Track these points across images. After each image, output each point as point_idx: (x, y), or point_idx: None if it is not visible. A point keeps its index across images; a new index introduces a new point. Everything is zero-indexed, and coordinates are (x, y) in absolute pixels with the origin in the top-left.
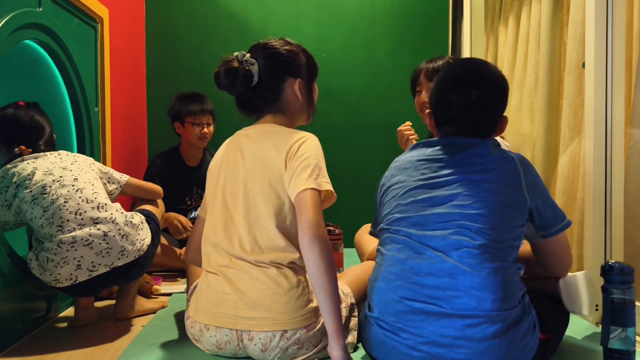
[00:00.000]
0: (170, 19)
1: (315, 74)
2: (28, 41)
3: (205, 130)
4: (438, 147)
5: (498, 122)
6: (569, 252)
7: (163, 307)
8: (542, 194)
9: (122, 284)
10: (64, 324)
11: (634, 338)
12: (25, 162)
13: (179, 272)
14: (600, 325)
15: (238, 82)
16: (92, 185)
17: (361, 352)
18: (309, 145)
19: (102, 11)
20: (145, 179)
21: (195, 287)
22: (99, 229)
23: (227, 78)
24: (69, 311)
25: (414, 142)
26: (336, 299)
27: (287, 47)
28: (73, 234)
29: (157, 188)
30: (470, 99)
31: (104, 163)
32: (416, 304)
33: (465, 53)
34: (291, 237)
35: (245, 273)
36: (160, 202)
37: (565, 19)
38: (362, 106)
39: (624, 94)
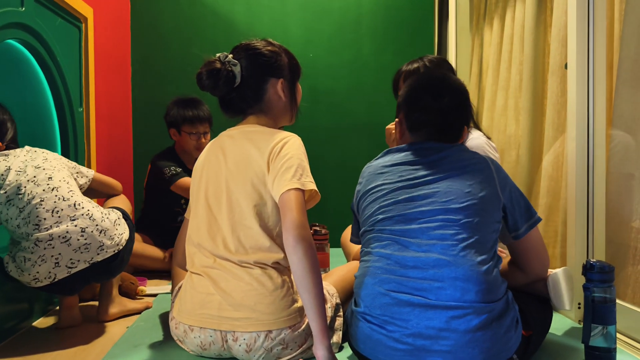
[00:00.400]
0: (156, 19)
1: (298, 74)
2: (10, 41)
3: (202, 140)
4: (411, 152)
5: (463, 129)
6: (544, 249)
7: (147, 307)
8: (512, 192)
9: (103, 280)
10: (47, 326)
11: (615, 335)
12: None
13: (163, 273)
14: (582, 323)
15: (220, 83)
16: (67, 183)
17: (346, 352)
18: (292, 145)
19: (86, 11)
20: (171, 178)
21: (180, 288)
22: (76, 225)
23: (210, 79)
24: (51, 314)
25: (396, 143)
26: (321, 299)
27: (269, 48)
28: (50, 231)
29: (118, 183)
30: (444, 104)
31: (89, 163)
32: (402, 295)
33: (451, 53)
34: (275, 237)
35: (229, 273)
36: (126, 198)
37: (549, 20)
38: (348, 106)
39: (605, 94)
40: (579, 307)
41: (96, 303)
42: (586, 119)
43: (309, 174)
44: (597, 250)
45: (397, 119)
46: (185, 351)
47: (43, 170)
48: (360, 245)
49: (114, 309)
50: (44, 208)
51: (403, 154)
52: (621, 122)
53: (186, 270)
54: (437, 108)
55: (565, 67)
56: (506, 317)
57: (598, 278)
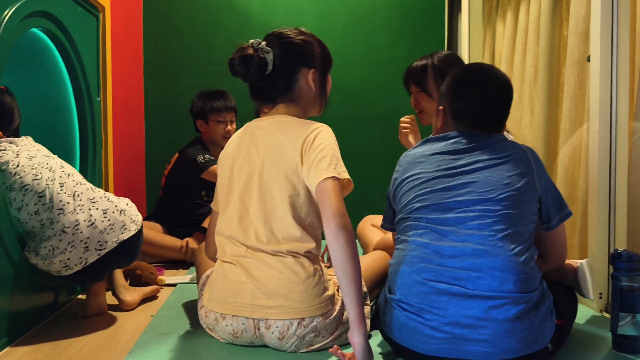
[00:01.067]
0: (169, 8)
1: (329, 65)
2: (34, 29)
3: (229, 127)
4: (450, 141)
5: (505, 121)
6: (566, 241)
7: (158, 290)
8: (547, 184)
9: (126, 264)
10: (72, 314)
11: None
12: (2, 146)
13: (180, 263)
14: (604, 313)
15: (252, 70)
16: (77, 173)
17: (375, 339)
18: (324, 135)
19: (104, 0)
20: (205, 164)
21: (208, 276)
22: (97, 208)
23: (242, 65)
24: (74, 304)
25: (407, 136)
26: (359, 287)
27: (301, 37)
28: (76, 216)
29: None
30: (488, 94)
31: (106, 154)
32: (440, 284)
33: (464, 46)
34: (307, 227)
35: (262, 262)
36: None
37: (565, 14)
38: (362, 98)
39: (628, 87)
40: (600, 297)
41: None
42: (609, 111)
43: (342, 163)
44: (619, 241)
45: (440, 107)
46: (216, 339)
47: (53, 159)
48: (382, 235)
49: (134, 296)
50: (65, 192)
51: (443, 143)
52: None
53: (215, 261)
54: (482, 98)
55: (588, 60)
56: (542, 306)
57: (626, 267)
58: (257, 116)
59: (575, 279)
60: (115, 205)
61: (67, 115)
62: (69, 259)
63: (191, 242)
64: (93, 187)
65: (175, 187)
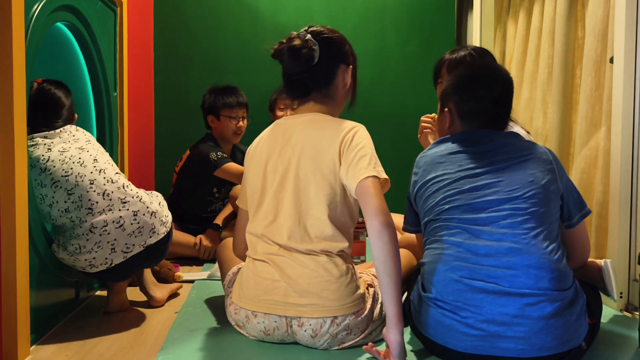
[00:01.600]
0: (179, 4)
1: (356, 65)
2: (59, 24)
3: (241, 124)
4: (467, 141)
5: (509, 119)
6: (588, 239)
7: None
8: (567, 183)
9: (153, 264)
10: (94, 310)
11: None
12: (34, 141)
13: (193, 259)
14: (625, 312)
15: (301, 61)
16: (112, 165)
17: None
18: (362, 134)
19: None
20: (217, 162)
21: (235, 273)
22: (128, 209)
23: (291, 55)
24: (95, 298)
25: (427, 136)
26: (399, 285)
27: (338, 35)
28: (104, 217)
29: None
30: (496, 94)
31: (122, 148)
32: (475, 282)
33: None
34: (340, 226)
35: (295, 261)
36: None
37: (580, 15)
38: (372, 97)
39: None
40: (621, 297)
41: (134, 287)
42: (632, 113)
43: (380, 163)
44: (639, 244)
45: (446, 109)
46: (244, 336)
47: (87, 152)
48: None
49: (163, 293)
50: (94, 191)
51: (459, 143)
52: None
53: (243, 260)
54: (490, 98)
55: (611, 61)
56: (576, 305)
57: None
58: (273, 112)
59: (599, 278)
60: (147, 207)
61: (86, 109)
62: (94, 258)
63: (204, 239)
64: (126, 184)
65: (186, 184)
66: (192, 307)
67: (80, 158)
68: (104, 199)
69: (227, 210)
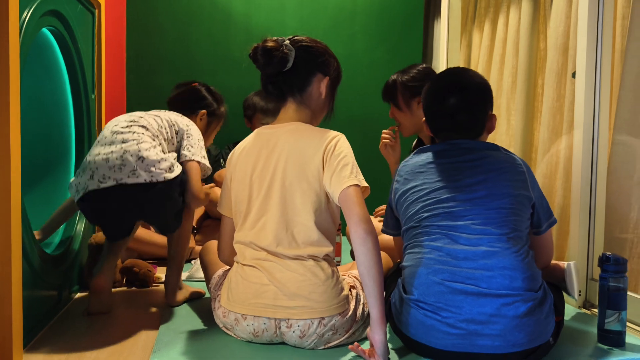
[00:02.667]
0: (152, 6)
1: (339, 80)
2: (44, 29)
3: None
4: (446, 151)
5: (484, 121)
6: (552, 245)
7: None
8: (539, 193)
9: (137, 219)
10: (76, 313)
11: (625, 320)
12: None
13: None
14: (583, 309)
15: (274, 62)
16: (151, 124)
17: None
18: (343, 143)
19: None
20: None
21: (221, 277)
22: (121, 148)
23: (264, 56)
24: (76, 301)
25: (385, 147)
26: (382, 288)
27: (322, 46)
28: (100, 149)
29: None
30: (449, 106)
31: None
32: (456, 284)
33: (441, 52)
34: (325, 232)
35: (283, 265)
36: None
37: (542, 28)
38: (341, 101)
39: (609, 102)
40: (579, 295)
41: (115, 289)
42: (592, 124)
43: (359, 171)
44: (597, 245)
45: (425, 122)
46: (233, 337)
47: (146, 114)
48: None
49: (180, 295)
50: (109, 128)
51: (439, 152)
52: (623, 128)
53: (229, 265)
54: (462, 107)
55: (573, 76)
56: (546, 304)
57: (613, 269)
58: (250, 121)
59: (562, 278)
60: (139, 151)
61: (64, 112)
62: (78, 183)
63: None
64: (144, 137)
65: None
66: (176, 309)
67: (133, 115)
68: (111, 136)
69: (198, 210)
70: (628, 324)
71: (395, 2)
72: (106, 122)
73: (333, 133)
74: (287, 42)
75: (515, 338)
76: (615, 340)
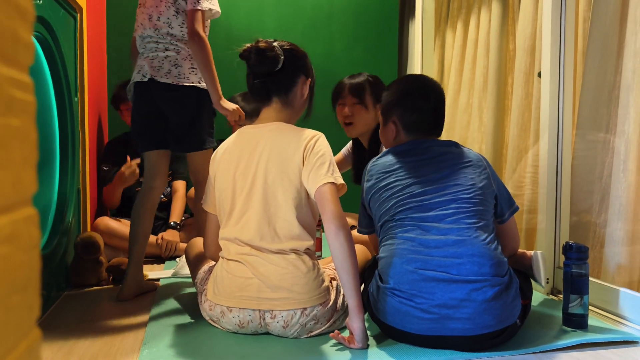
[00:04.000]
0: (131, 9)
1: (314, 83)
2: None
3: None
4: (414, 149)
5: (443, 122)
6: (517, 231)
7: (156, 287)
8: (499, 184)
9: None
10: (64, 310)
11: (588, 303)
12: None
13: (154, 257)
14: (551, 295)
15: (267, 62)
16: None
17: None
18: (322, 142)
19: (81, 1)
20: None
21: (207, 272)
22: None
23: (258, 56)
24: (65, 296)
25: None
26: (357, 279)
27: (302, 50)
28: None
29: None
30: (433, 102)
31: (84, 153)
32: (428, 272)
33: (416, 52)
34: (306, 226)
35: (266, 259)
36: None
37: (511, 29)
38: (319, 99)
39: (572, 101)
40: (547, 282)
41: (101, 287)
42: (556, 122)
43: (337, 169)
44: (563, 234)
45: (390, 122)
46: (219, 329)
47: None
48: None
49: (132, 290)
50: None
51: (406, 152)
52: (585, 124)
53: (215, 261)
54: (429, 108)
55: (539, 75)
56: (511, 288)
57: (575, 257)
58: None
59: (529, 266)
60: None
61: (48, 115)
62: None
63: (165, 236)
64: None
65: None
66: (163, 304)
67: None
68: None
69: (178, 206)
70: (590, 307)
71: (372, 3)
72: (89, 124)
73: (313, 132)
74: (276, 44)
75: (484, 321)
76: (579, 322)
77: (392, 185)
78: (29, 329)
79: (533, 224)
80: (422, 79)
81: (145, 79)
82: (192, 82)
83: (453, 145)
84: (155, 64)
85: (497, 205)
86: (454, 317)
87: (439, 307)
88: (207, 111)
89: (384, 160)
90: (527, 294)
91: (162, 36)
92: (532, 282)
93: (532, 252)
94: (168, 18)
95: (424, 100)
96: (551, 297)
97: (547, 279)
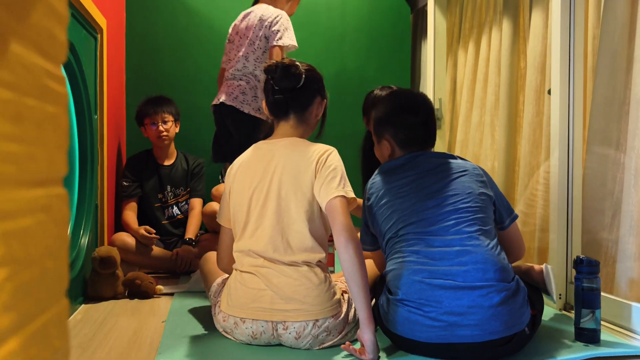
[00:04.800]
0: (151, 29)
1: (327, 105)
2: None
3: (161, 128)
4: (410, 164)
5: (435, 135)
6: (522, 239)
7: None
8: (497, 191)
9: None
10: (81, 321)
11: (600, 318)
12: None
13: (169, 273)
14: (564, 311)
15: (291, 78)
16: None
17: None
18: (334, 157)
19: (102, 21)
20: (121, 177)
21: (220, 285)
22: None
23: (283, 72)
24: (81, 309)
25: None
26: (367, 291)
27: (318, 72)
28: None
29: None
30: (422, 116)
31: (102, 170)
32: (435, 280)
33: (428, 72)
34: (318, 239)
35: (279, 271)
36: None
37: (522, 48)
38: (332, 118)
39: (582, 117)
40: (560, 297)
41: (117, 300)
42: (567, 138)
43: (349, 183)
44: (575, 250)
45: (384, 140)
46: (232, 340)
47: None
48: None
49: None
50: None
51: (402, 166)
52: (595, 140)
53: (230, 274)
54: (420, 122)
55: (549, 92)
56: (519, 295)
57: (587, 271)
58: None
59: (541, 280)
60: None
61: (69, 131)
62: None
63: (180, 252)
64: None
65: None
66: (178, 317)
67: None
68: None
69: (193, 223)
70: (603, 322)
71: (384, 23)
72: (108, 142)
73: (326, 147)
74: (298, 63)
75: (492, 326)
76: (591, 337)
77: (391, 202)
78: (60, 296)
79: (546, 240)
80: (409, 95)
81: (218, 103)
82: (249, 111)
83: (448, 156)
84: (228, 91)
85: (496, 212)
86: (462, 324)
87: (447, 314)
88: (261, 133)
89: (381, 178)
90: (536, 305)
91: (239, 69)
92: (545, 297)
93: (541, 266)
94: (248, 53)
95: (413, 116)
96: (564, 312)
97: (560, 294)
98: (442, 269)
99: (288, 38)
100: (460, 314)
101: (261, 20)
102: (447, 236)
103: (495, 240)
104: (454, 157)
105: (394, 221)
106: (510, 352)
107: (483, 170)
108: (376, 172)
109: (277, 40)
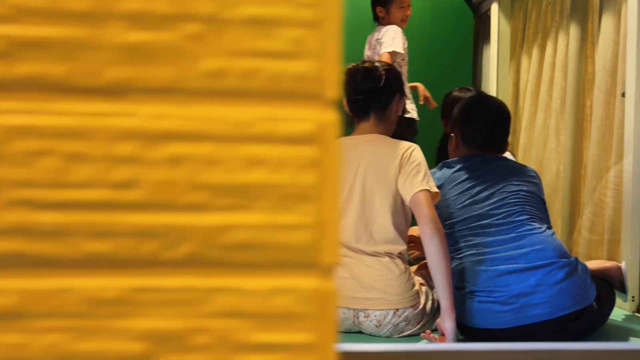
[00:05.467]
0: None
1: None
2: None
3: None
4: (466, 162)
5: (507, 141)
6: None
7: None
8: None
9: None
10: None
11: None
12: None
13: None
14: (636, 313)
15: (371, 80)
16: None
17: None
18: (418, 153)
19: None
20: None
21: None
22: None
23: (365, 74)
24: None
25: None
26: (450, 280)
27: (397, 70)
28: None
29: None
30: (491, 117)
31: None
32: (499, 267)
33: (491, 76)
34: (400, 231)
35: (361, 261)
36: None
37: (590, 52)
38: None
39: None
40: (633, 300)
41: None
42: None
43: (432, 178)
44: None
45: (452, 135)
46: None
47: None
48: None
49: None
50: None
51: (459, 168)
52: None
53: None
54: (486, 121)
55: (623, 95)
56: (579, 271)
57: None
58: None
59: (617, 276)
60: None
61: None
62: None
63: None
64: None
65: None
66: None
67: None
68: None
69: None
70: None
71: (447, 29)
72: None
73: (408, 144)
74: (378, 64)
75: (561, 302)
76: None
77: (450, 199)
78: None
79: (616, 242)
80: (486, 97)
81: None
82: None
83: (504, 159)
84: None
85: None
86: (532, 304)
87: (516, 297)
88: None
89: (442, 173)
90: (602, 291)
91: None
92: (617, 295)
93: (615, 263)
94: (368, 56)
95: (481, 114)
96: (637, 315)
97: (633, 296)
98: (504, 255)
99: (399, 45)
100: (529, 294)
101: None
102: (501, 227)
103: (548, 224)
104: (509, 159)
105: (451, 218)
106: (581, 330)
107: (536, 173)
108: (435, 169)
109: (387, 47)
